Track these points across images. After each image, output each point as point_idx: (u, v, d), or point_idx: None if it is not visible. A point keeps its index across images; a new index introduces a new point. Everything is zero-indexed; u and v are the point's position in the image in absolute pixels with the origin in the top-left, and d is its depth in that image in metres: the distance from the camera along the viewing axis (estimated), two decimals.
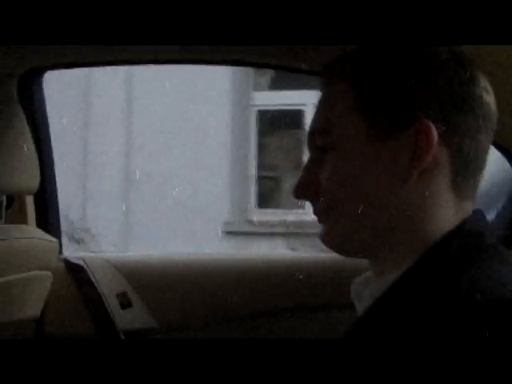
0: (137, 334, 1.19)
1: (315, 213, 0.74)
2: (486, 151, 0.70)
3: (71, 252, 1.32)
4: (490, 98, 0.70)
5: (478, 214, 0.71)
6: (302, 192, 0.74)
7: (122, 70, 4.57)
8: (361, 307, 0.72)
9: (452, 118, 0.67)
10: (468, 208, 0.70)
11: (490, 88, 0.70)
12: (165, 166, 5.25)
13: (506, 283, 0.61)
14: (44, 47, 0.87)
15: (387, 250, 0.69)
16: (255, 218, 4.38)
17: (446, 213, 0.68)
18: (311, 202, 0.74)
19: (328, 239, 0.73)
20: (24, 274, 1.04)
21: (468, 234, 0.67)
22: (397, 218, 0.68)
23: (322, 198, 0.72)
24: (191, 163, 4.83)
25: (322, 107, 0.74)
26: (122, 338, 1.16)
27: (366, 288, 0.73)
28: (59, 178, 1.23)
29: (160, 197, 5.21)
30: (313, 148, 0.74)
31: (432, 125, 0.66)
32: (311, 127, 0.74)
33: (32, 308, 1.10)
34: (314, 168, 0.73)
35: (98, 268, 1.22)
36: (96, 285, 1.19)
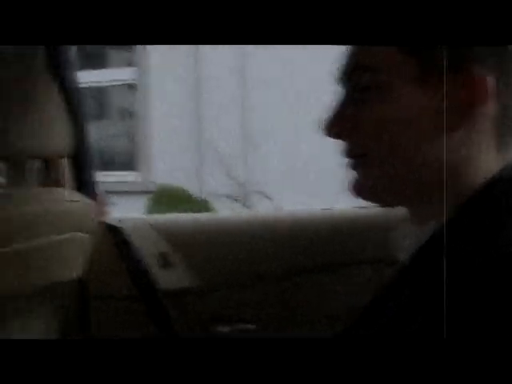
0: (176, 293, 1.20)
1: (348, 155, 0.70)
2: None
3: None
4: None
5: None
6: (337, 130, 0.69)
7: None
8: (402, 257, 0.70)
9: (506, 72, 0.65)
10: (508, 157, 0.67)
11: None
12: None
13: None
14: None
15: (427, 198, 0.67)
16: None
17: (488, 162, 0.66)
18: (345, 142, 0.70)
19: (362, 189, 0.70)
20: (60, 237, 1.06)
21: (509, 180, 0.65)
22: (438, 166, 0.65)
23: (359, 140, 0.68)
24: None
25: None
26: (162, 297, 1.18)
27: (406, 238, 0.71)
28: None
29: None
30: (352, 85, 0.70)
31: (488, 77, 0.63)
32: (352, 62, 0.70)
33: (71, 270, 1.12)
34: (352, 106, 0.69)
35: (135, 229, 1.23)
36: (134, 245, 1.20)
